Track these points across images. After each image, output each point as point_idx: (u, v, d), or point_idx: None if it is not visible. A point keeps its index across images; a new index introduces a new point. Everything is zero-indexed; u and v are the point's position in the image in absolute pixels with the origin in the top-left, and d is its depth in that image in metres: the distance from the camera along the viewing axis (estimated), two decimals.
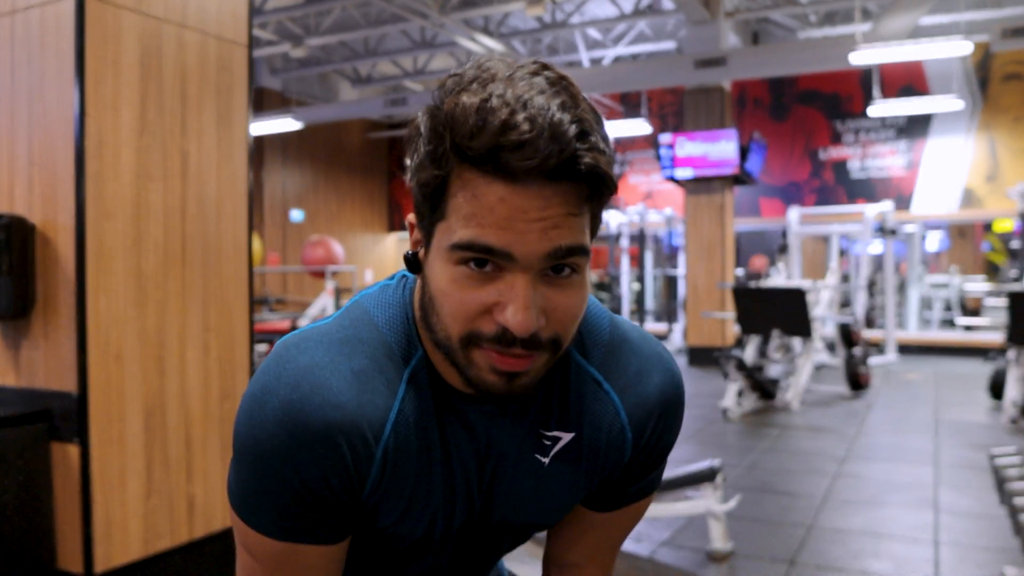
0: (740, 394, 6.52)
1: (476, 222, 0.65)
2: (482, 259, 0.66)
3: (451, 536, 0.82)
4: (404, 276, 0.82)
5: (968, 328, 11.98)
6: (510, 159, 0.63)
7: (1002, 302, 8.14)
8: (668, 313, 11.93)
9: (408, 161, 0.71)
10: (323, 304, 7.16)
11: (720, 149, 9.64)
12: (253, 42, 2.92)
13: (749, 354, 7.01)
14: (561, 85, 0.67)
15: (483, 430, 0.79)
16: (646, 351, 0.86)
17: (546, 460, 0.81)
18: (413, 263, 0.74)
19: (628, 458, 0.85)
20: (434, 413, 0.77)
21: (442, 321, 0.70)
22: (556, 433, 0.81)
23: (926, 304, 12.37)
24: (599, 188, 0.67)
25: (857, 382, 7.29)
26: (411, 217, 0.73)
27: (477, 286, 0.67)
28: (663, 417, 0.86)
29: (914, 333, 11.25)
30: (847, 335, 7.44)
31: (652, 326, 12.57)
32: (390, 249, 15.85)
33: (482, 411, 0.78)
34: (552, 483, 0.83)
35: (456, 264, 0.67)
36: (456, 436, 0.78)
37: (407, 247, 0.76)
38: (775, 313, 7.04)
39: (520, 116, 0.63)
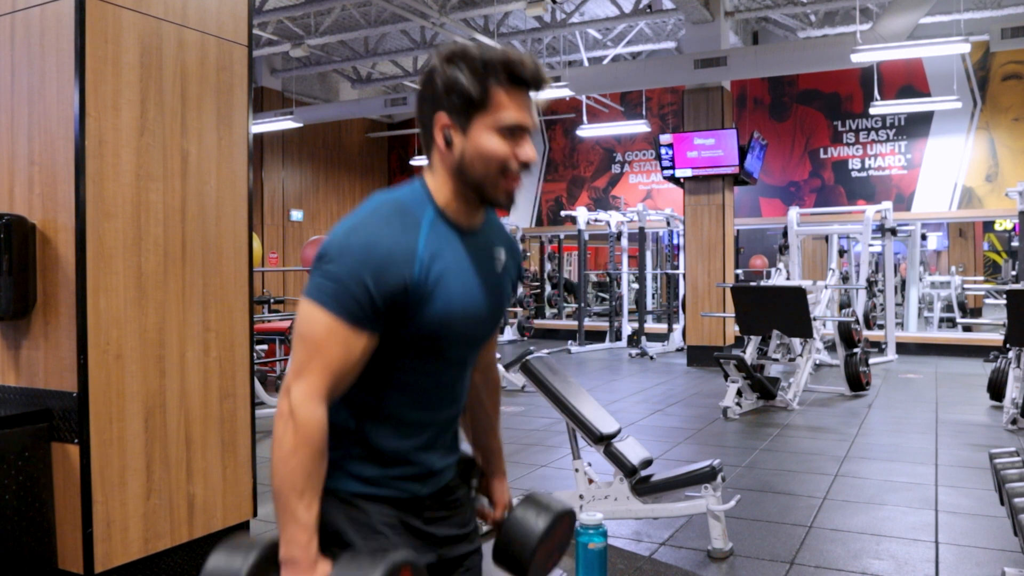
0: (740, 394, 6.52)
1: (515, 113, 1.20)
2: (516, 131, 1.20)
3: (487, 313, 1.29)
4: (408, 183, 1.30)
5: (968, 328, 11.97)
6: (536, 81, 1.21)
7: (1002, 302, 8.14)
8: (668, 313, 11.93)
9: (438, 89, 1.20)
10: None
11: (720, 149, 9.64)
12: (253, 42, 2.92)
13: (749, 354, 7.01)
14: None
15: (473, 247, 1.28)
16: None
17: (499, 270, 1.33)
18: (450, 142, 1.22)
19: (518, 266, 1.42)
20: (450, 232, 1.24)
21: (486, 163, 1.20)
22: (499, 250, 1.34)
23: (926, 304, 12.37)
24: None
25: (857, 382, 7.29)
26: (444, 117, 1.21)
27: (509, 143, 1.21)
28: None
29: (914, 333, 11.25)
30: (847, 335, 7.43)
31: (652, 326, 12.57)
32: None
33: (473, 235, 1.28)
34: (502, 283, 1.35)
35: (499, 133, 1.20)
36: (465, 247, 1.27)
37: None
38: (775, 313, 7.03)
39: (532, 61, 1.21)
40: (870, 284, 10.80)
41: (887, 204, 9.92)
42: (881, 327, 10.61)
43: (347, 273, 1.14)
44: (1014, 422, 5.77)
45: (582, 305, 12.13)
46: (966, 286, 12.77)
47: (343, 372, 1.17)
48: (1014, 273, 11.51)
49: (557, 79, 9.71)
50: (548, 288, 14.85)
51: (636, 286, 12.65)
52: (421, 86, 1.24)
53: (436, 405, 1.29)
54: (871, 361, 8.15)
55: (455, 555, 1.35)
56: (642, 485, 3.34)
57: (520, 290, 13.10)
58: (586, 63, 11.76)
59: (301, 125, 11.97)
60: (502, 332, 12.55)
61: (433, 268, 1.19)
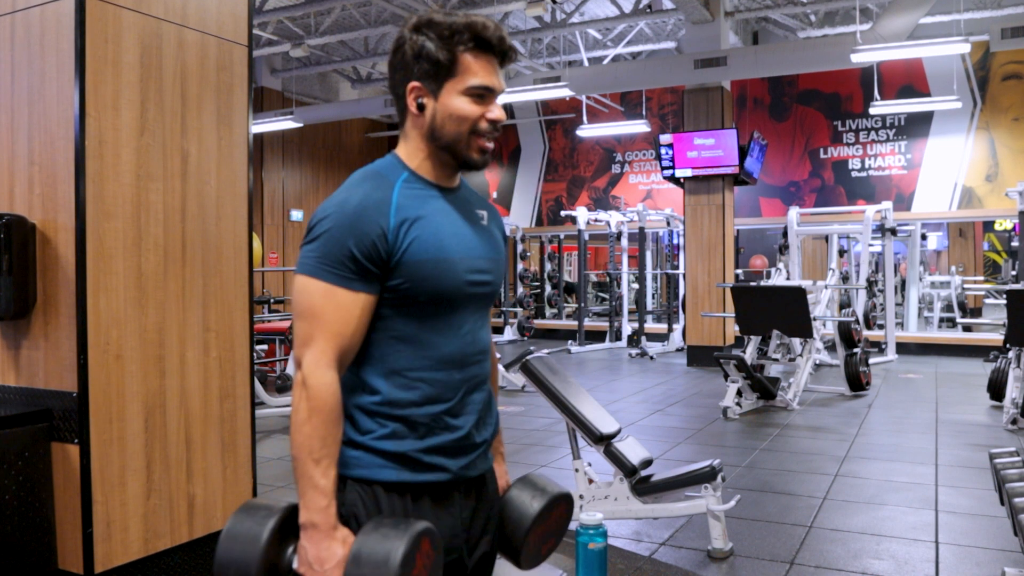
0: (740, 394, 6.52)
1: (483, 76, 1.27)
2: (484, 94, 1.28)
3: (484, 255, 1.33)
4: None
5: (968, 328, 11.97)
6: (500, 46, 1.28)
7: (1002, 302, 8.14)
8: (668, 313, 11.92)
9: (408, 58, 1.27)
10: None
11: (720, 149, 9.64)
12: (253, 42, 2.92)
13: (749, 354, 7.01)
14: None
15: (452, 201, 1.33)
16: None
17: (484, 224, 1.38)
18: (422, 107, 1.29)
19: (502, 229, 1.45)
20: (427, 189, 1.30)
21: (458, 124, 1.27)
22: (481, 212, 1.38)
23: (926, 304, 12.36)
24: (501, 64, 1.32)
25: (857, 382, 7.29)
26: (415, 83, 1.28)
27: (479, 105, 1.28)
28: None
29: (914, 333, 11.25)
30: (847, 335, 7.43)
31: (652, 326, 12.57)
32: None
33: (451, 192, 1.34)
34: (492, 233, 1.40)
35: (468, 95, 1.27)
36: (445, 200, 1.32)
37: None
38: (775, 313, 7.03)
39: (496, 25, 1.28)
40: (870, 284, 10.79)
41: (887, 204, 9.92)
42: (881, 327, 10.61)
43: (327, 238, 1.20)
44: (1014, 422, 5.77)
45: (582, 305, 12.13)
46: (966, 286, 12.76)
47: (347, 335, 1.21)
48: (1014, 273, 11.51)
49: (557, 79, 9.71)
50: (548, 288, 14.84)
51: (636, 286, 12.64)
52: (391, 56, 1.31)
53: (460, 362, 1.31)
54: (871, 361, 8.15)
55: (471, 562, 1.35)
56: (642, 485, 3.34)
57: (520, 290, 13.10)
58: (586, 63, 11.75)
59: (301, 125, 11.97)
60: (502, 332, 12.56)
61: (411, 215, 1.25)
